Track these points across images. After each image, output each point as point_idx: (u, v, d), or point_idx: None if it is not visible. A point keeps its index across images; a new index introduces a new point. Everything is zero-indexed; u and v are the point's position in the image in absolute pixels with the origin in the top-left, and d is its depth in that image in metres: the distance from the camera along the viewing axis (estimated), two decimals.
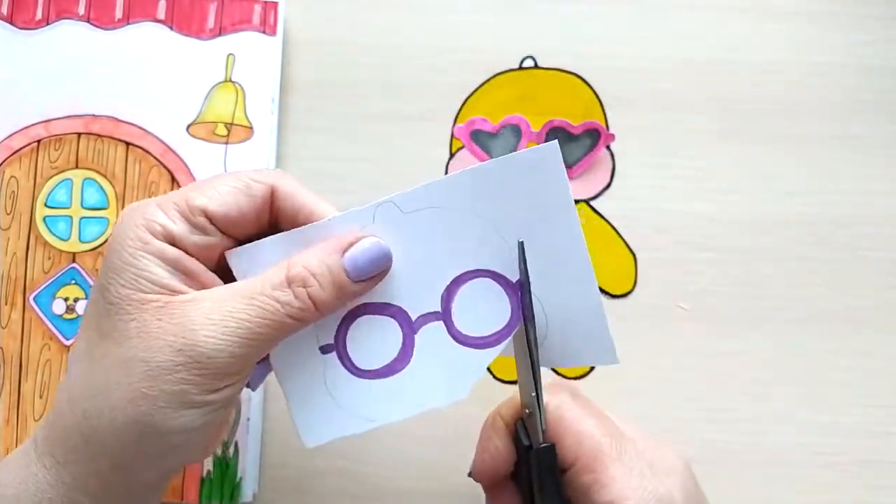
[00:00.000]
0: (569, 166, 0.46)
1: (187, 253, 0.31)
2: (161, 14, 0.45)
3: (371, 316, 0.33)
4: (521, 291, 0.33)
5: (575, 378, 0.45)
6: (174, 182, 0.44)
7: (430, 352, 0.33)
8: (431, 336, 0.33)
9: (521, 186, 0.32)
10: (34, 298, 0.43)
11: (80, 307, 0.43)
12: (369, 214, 0.32)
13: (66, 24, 0.45)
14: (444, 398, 0.33)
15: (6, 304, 0.43)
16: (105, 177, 0.44)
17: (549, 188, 0.32)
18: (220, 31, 0.45)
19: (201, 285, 0.31)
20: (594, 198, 0.46)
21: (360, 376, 0.33)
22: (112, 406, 0.29)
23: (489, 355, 0.33)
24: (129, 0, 0.45)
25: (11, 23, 0.45)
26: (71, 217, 0.44)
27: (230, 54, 0.45)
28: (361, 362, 0.33)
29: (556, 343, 0.34)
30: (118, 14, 0.45)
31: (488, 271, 0.33)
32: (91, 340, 0.30)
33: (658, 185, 0.46)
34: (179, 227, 0.31)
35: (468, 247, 0.33)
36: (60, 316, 0.43)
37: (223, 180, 0.32)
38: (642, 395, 0.45)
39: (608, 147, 0.46)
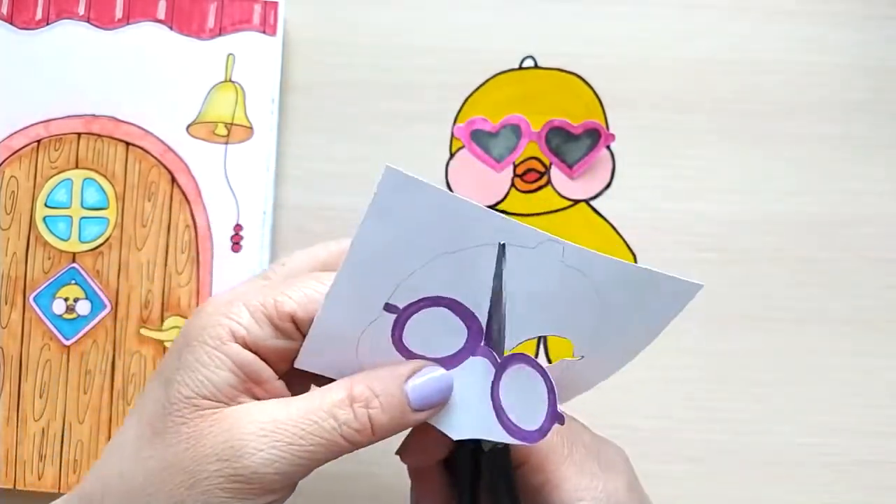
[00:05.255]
0: (569, 166, 0.46)
1: (264, 357, 0.30)
2: (161, 14, 0.45)
3: (444, 310, 0.30)
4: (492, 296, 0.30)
5: None
6: (174, 182, 0.44)
7: (472, 380, 0.31)
8: (480, 368, 0.31)
9: (643, 298, 0.32)
10: (34, 298, 0.43)
11: (80, 307, 0.43)
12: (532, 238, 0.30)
13: (66, 24, 0.45)
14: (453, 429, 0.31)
15: (6, 304, 0.43)
16: (105, 177, 0.44)
17: (658, 313, 0.32)
18: (220, 31, 0.45)
19: (266, 393, 0.30)
20: (594, 198, 0.46)
21: (399, 351, 0.31)
22: None
23: None
24: (129, 0, 0.45)
25: (11, 23, 0.45)
26: (71, 217, 0.44)
27: (230, 54, 0.45)
28: (412, 343, 0.31)
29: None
30: (118, 14, 0.45)
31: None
32: (140, 435, 0.29)
33: (658, 185, 0.46)
34: (264, 331, 0.29)
35: (566, 313, 0.31)
36: (60, 316, 0.43)
37: (310, 283, 0.30)
38: (642, 395, 0.45)
39: (608, 147, 0.46)
